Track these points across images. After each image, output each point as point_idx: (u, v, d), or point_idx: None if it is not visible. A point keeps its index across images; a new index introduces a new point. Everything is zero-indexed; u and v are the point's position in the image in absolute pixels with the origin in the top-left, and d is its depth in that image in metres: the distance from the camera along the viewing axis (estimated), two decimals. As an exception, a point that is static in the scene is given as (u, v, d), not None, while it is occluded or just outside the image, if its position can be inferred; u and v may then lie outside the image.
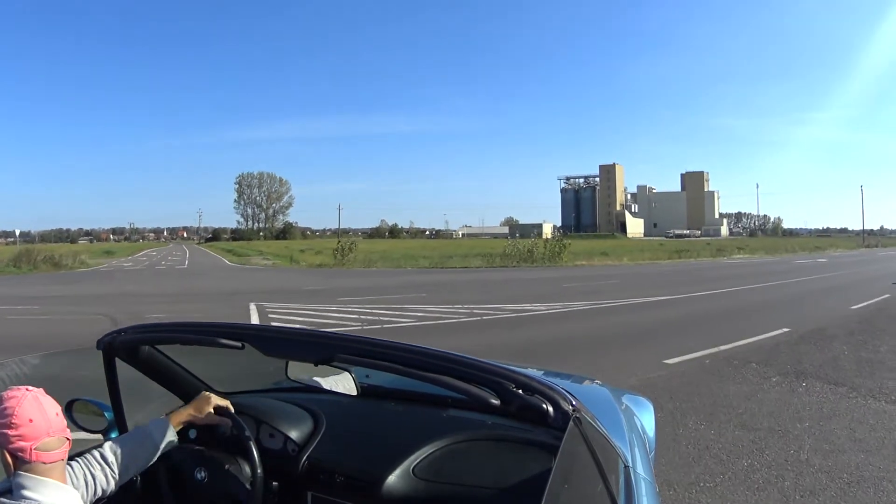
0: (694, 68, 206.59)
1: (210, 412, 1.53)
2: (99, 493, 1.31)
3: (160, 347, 1.76)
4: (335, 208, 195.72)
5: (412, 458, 1.53)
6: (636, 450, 1.64)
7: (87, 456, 1.34)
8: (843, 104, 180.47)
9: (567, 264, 29.42)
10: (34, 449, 1.09)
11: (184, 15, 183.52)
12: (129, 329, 1.68)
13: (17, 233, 41.91)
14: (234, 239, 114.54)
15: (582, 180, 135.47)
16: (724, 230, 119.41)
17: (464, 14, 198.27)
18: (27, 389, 1.14)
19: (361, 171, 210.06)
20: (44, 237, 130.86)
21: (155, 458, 1.45)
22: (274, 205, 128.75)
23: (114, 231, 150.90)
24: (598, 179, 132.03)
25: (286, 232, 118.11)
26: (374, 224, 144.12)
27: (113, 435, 1.68)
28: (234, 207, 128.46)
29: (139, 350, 1.72)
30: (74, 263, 32.93)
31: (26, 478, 1.09)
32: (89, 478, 1.29)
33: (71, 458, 1.28)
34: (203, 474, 1.52)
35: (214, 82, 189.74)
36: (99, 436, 1.68)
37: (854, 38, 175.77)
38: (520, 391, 1.22)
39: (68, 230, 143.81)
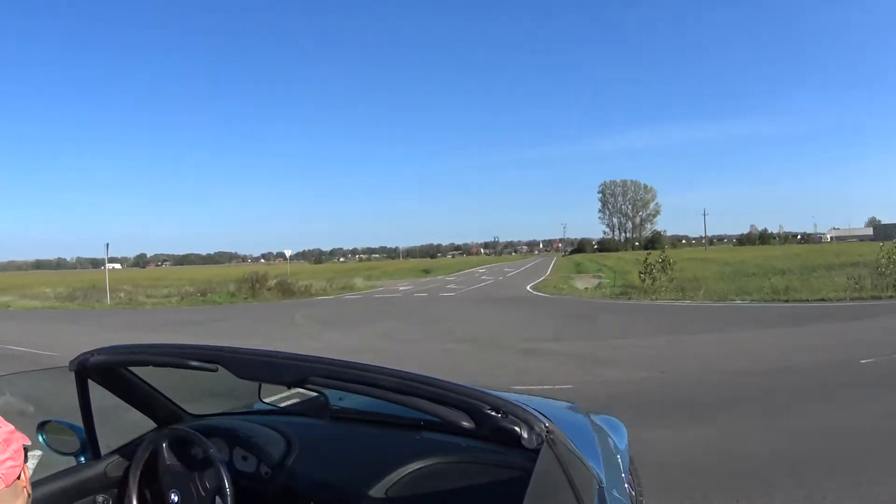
0: None
1: None
2: None
3: (133, 369, 1.75)
4: (710, 215, 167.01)
5: (385, 480, 1.55)
6: (610, 470, 1.66)
7: None
8: None
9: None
10: None
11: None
12: (102, 350, 1.64)
13: (288, 254, 39.59)
14: (599, 250, 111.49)
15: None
16: None
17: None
18: None
19: (733, 174, 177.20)
20: (409, 253, 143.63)
21: None
22: (640, 213, 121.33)
23: (486, 245, 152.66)
24: None
25: (654, 241, 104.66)
26: (745, 230, 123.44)
27: (82, 458, 1.70)
28: (599, 217, 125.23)
29: (112, 371, 1.71)
30: (330, 289, 26.60)
31: None
32: None
33: None
34: (176, 497, 1.56)
35: (579, 94, 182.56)
36: (71, 458, 1.67)
37: None
38: (493, 413, 1.21)
39: (438, 245, 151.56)
